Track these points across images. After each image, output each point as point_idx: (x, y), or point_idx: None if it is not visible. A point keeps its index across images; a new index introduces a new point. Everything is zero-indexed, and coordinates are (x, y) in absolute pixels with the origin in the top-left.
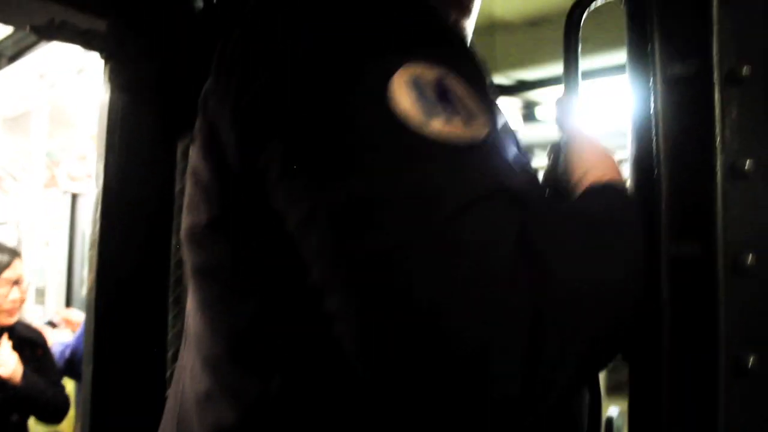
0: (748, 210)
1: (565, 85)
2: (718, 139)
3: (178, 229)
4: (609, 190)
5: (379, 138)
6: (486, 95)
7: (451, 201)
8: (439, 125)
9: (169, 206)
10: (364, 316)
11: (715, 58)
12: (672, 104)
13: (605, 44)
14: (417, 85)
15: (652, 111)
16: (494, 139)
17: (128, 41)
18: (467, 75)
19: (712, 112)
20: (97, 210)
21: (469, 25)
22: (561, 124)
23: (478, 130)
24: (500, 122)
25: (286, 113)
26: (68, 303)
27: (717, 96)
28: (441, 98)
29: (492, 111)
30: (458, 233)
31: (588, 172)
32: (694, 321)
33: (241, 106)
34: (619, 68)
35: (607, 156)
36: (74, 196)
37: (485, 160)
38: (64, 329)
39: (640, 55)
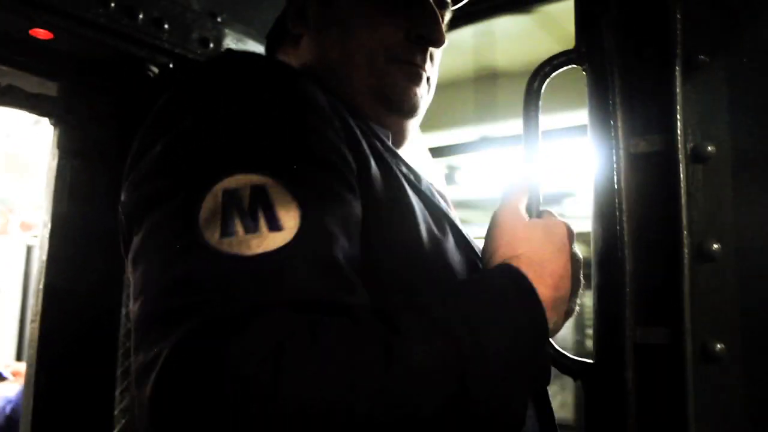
0: (716, 294)
1: (524, 151)
2: (684, 219)
3: (129, 299)
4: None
5: (175, 252)
6: (323, 194)
7: (219, 314)
8: (228, 243)
9: (119, 276)
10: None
11: (679, 135)
12: (636, 181)
13: (565, 104)
14: (230, 198)
15: (615, 188)
16: (304, 243)
17: (79, 106)
18: (302, 180)
19: (677, 190)
20: (40, 280)
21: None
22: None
23: (274, 242)
24: (349, 209)
25: (130, 214)
26: (19, 355)
27: (682, 174)
28: (249, 209)
29: (322, 210)
30: (213, 350)
31: (494, 253)
32: (662, 411)
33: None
34: (575, 129)
35: (515, 237)
36: (29, 248)
37: (272, 271)
38: (13, 383)
39: (602, 127)
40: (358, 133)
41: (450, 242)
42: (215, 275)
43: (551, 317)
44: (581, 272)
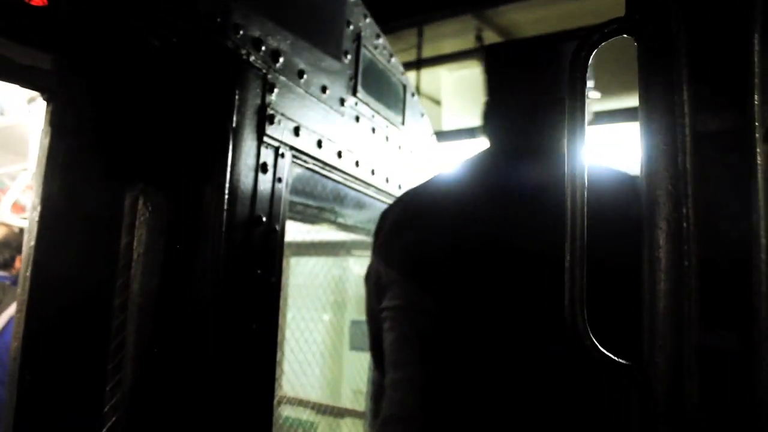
0: None
1: (567, 135)
2: (762, 207)
3: (123, 288)
4: None
5: None
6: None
7: None
8: None
9: (113, 264)
10: None
11: (757, 112)
12: (703, 166)
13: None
14: None
15: (679, 170)
16: None
17: (74, 81)
18: None
19: (751, 176)
20: (27, 267)
21: None
22: None
23: None
24: None
25: None
26: None
27: (758, 156)
28: None
29: None
30: None
31: None
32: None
33: None
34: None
35: None
36: (21, 230)
37: None
38: None
39: (662, 104)
40: None
41: None
42: None
43: None
44: None
